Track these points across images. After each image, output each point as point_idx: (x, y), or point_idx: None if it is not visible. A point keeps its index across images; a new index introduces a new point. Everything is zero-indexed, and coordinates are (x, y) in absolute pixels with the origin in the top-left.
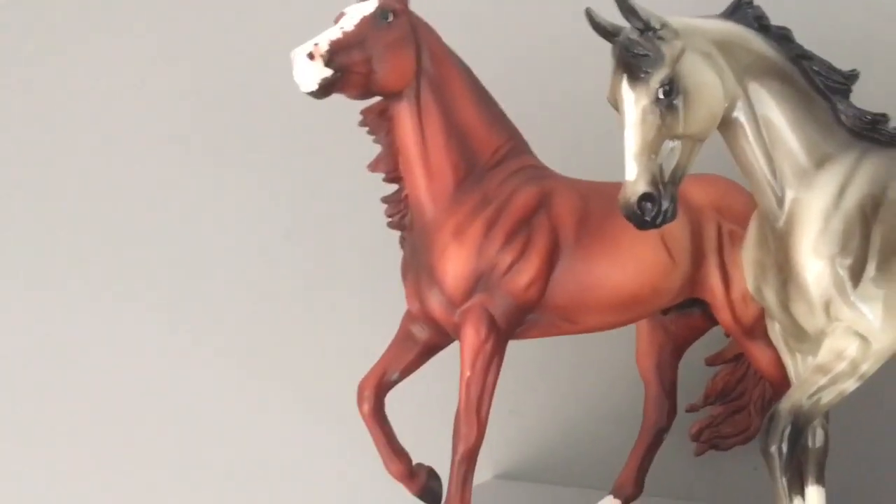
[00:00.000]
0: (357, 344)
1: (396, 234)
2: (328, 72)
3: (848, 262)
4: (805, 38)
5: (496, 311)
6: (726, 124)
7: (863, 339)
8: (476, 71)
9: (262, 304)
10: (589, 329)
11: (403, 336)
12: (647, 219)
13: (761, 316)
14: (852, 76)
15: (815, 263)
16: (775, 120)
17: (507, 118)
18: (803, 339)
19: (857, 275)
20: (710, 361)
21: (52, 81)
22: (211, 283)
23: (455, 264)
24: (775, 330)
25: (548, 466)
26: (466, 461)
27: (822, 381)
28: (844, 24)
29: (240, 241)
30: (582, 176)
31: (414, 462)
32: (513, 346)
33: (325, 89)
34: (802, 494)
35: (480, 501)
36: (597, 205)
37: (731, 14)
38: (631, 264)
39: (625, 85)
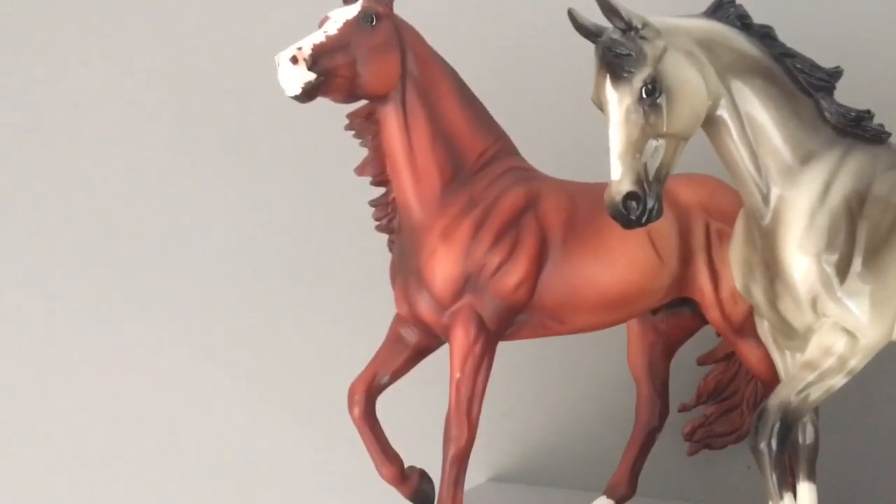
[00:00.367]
0: (347, 347)
1: (386, 237)
2: (311, 76)
3: (834, 258)
4: (788, 37)
5: (485, 312)
6: (710, 122)
7: (850, 334)
8: (463, 71)
9: (251, 308)
10: (578, 329)
11: (393, 339)
12: (633, 218)
13: (750, 314)
14: (836, 73)
15: (801, 260)
16: (759, 117)
17: (494, 120)
18: (792, 335)
19: (843, 271)
20: (702, 360)
21: (47, 89)
22: (202, 287)
23: (443, 266)
24: (764, 327)
25: (541, 468)
26: (457, 463)
27: (811, 377)
28: (827, 21)
29: (230, 245)
30: (570, 177)
31: (406, 465)
32: (505, 348)
33: (308, 93)
34: (793, 491)
35: None
36: (584, 205)
37: (713, 13)
38: (619, 264)
39: (608, 85)
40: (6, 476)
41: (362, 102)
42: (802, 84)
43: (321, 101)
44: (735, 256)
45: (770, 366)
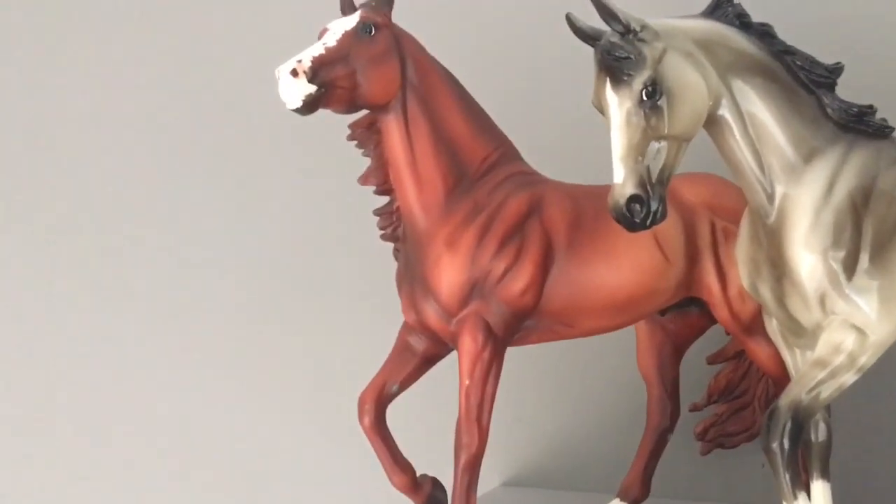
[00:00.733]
0: (356, 355)
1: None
2: (312, 88)
3: (841, 254)
4: (787, 34)
5: (492, 318)
6: (712, 122)
7: (860, 331)
8: (463, 76)
9: (259, 319)
10: (587, 333)
11: (401, 347)
12: (637, 220)
13: (759, 312)
14: (836, 69)
15: (807, 258)
16: (761, 116)
17: (496, 125)
18: (800, 333)
19: (850, 267)
20: (712, 359)
21: (46, 90)
22: (207, 296)
23: (449, 274)
24: (773, 325)
25: (554, 472)
26: (469, 470)
27: (821, 375)
28: (827, 18)
29: (239, 252)
30: (574, 179)
31: (418, 473)
32: (516, 352)
33: (309, 105)
34: (807, 490)
35: None
36: (589, 208)
37: (711, 13)
38: (625, 266)
39: (608, 88)
40: (6, 476)
41: (364, 112)
42: (803, 81)
43: (326, 111)
44: (741, 255)
45: (781, 364)
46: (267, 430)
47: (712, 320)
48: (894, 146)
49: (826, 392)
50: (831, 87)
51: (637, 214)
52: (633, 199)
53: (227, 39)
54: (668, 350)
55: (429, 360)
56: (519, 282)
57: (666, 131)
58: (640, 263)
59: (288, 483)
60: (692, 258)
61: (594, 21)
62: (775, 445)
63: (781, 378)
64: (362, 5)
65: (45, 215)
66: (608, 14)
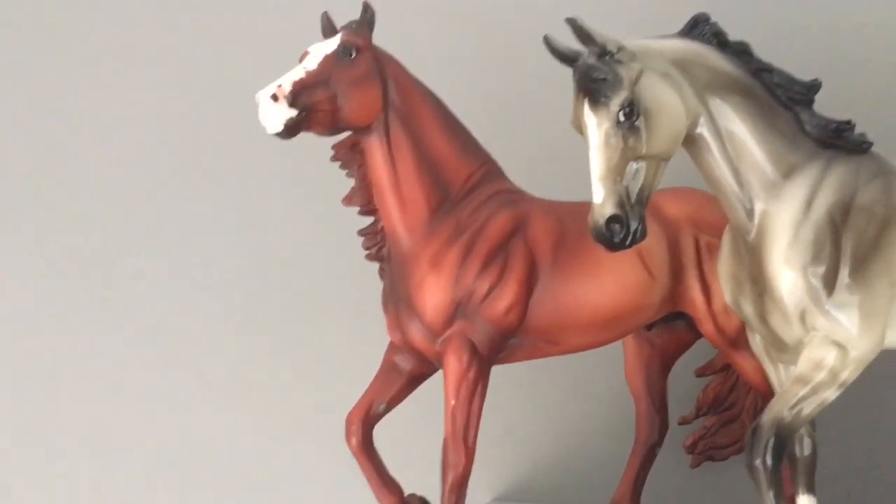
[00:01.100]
0: (342, 375)
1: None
2: (293, 112)
3: (820, 270)
4: (765, 52)
5: (477, 337)
6: (691, 141)
7: (841, 347)
8: (445, 93)
9: (245, 338)
10: (572, 350)
11: (388, 367)
12: (616, 240)
13: (744, 326)
14: (814, 86)
15: (787, 274)
16: (739, 133)
17: (479, 144)
18: (783, 349)
19: (830, 283)
20: (701, 372)
21: (46, 92)
22: (197, 309)
23: (433, 294)
24: (756, 341)
25: (545, 487)
26: (457, 490)
27: (803, 391)
28: (806, 33)
29: (228, 272)
30: (558, 196)
31: (406, 493)
32: (506, 368)
33: (290, 130)
34: None
35: None
36: (573, 226)
37: (688, 32)
38: (610, 282)
39: (586, 109)
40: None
41: (347, 133)
42: (781, 98)
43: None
44: (723, 272)
45: (767, 377)
46: (254, 448)
47: (699, 334)
48: (873, 161)
49: (808, 408)
50: (809, 104)
51: (617, 234)
52: (612, 219)
53: (224, 49)
54: (656, 365)
55: (415, 380)
56: (503, 301)
57: (644, 151)
58: (625, 280)
59: (275, 501)
60: (676, 273)
61: (573, 42)
62: (758, 462)
63: (767, 392)
64: (343, 28)
65: (39, 223)
66: (584, 36)
